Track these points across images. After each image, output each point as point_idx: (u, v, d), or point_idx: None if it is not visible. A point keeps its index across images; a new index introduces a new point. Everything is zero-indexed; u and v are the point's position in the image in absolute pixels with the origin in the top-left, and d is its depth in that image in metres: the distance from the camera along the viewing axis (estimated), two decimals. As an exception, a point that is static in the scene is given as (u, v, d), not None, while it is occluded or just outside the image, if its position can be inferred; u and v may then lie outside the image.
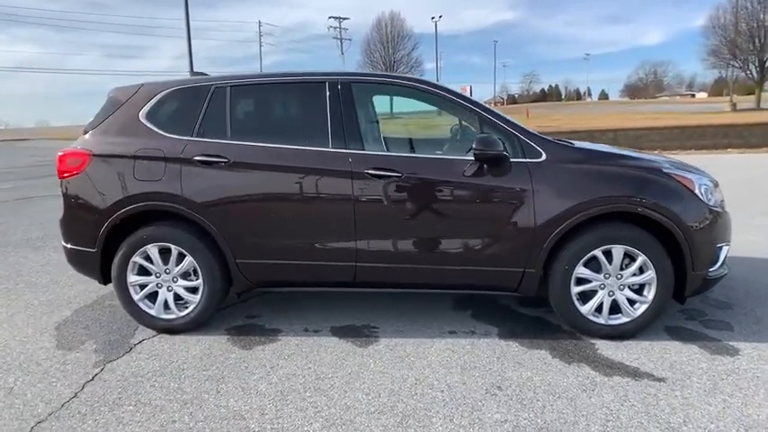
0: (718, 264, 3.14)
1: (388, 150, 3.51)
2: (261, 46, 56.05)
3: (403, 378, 2.74)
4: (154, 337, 3.30)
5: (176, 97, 3.33)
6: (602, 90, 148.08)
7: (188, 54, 21.20)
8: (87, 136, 3.36)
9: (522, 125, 3.17)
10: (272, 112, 3.40)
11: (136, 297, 3.30)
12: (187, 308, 3.31)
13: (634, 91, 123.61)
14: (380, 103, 4.01)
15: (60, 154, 3.34)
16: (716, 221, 3.08)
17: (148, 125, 3.26)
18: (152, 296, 3.32)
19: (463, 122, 4.07)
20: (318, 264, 3.19)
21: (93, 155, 3.24)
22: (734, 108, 35.89)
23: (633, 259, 3.04)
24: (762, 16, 33.08)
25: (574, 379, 2.70)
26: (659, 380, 2.66)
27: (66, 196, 3.33)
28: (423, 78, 3.24)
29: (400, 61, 48.75)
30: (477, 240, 3.07)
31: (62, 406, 2.54)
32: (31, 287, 4.35)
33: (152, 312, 3.31)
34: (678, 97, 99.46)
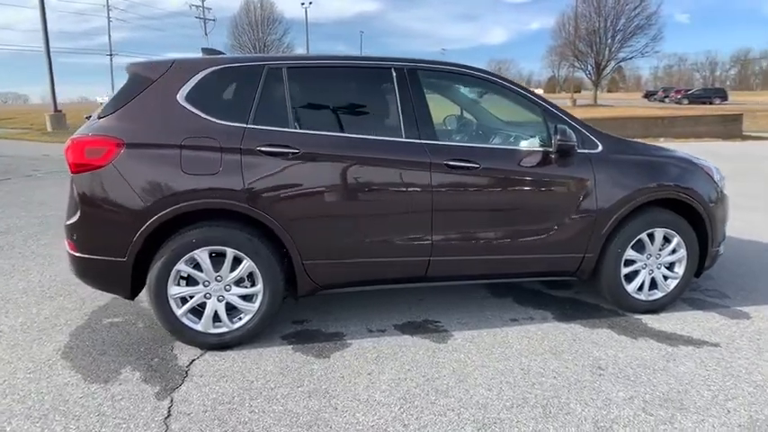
0: (724, 241, 3.66)
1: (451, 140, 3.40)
2: (109, 21, 49.69)
3: (509, 369, 2.74)
4: (203, 355, 2.85)
5: (223, 78, 2.86)
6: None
7: (42, 24, 17.88)
8: (106, 121, 2.73)
9: (578, 118, 3.32)
10: (336, 99, 3.09)
11: (178, 312, 2.80)
12: (241, 319, 2.91)
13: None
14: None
15: (73, 142, 2.68)
16: (724, 203, 3.57)
17: (191, 109, 2.76)
18: (194, 309, 2.86)
19: (465, 113, 4.16)
20: (392, 260, 3.02)
21: (125, 144, 2.65)
22: (574, 103, 41.20)
23: (668, 240, 3.40)
24: (597, 25, 38.59)
25: (650, 352, 2.94)
26: (716, 345, 3.03)
27: (83, 195, 2.68)
28: (489, 71, 3.21)
29: (271, 45, 46.97)
30: (547, 228, 3.16)
31: (162, 450, 2.09)
32: (-21, 310, 3.43)
33: (198, 328, 2.85)
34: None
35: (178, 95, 2.76)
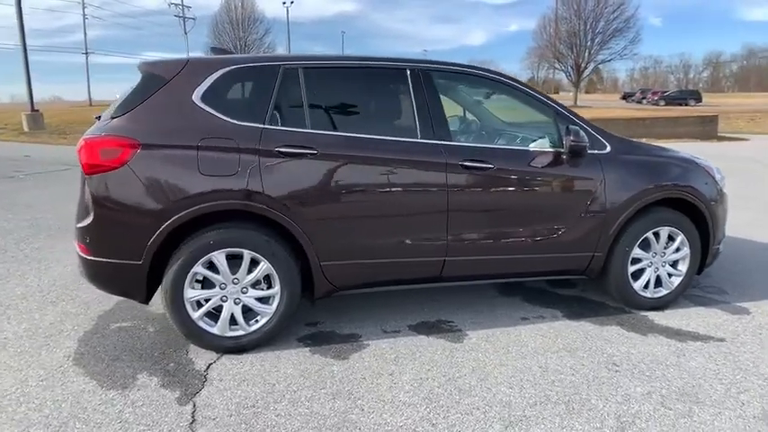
0: (723, 239, 3.76)
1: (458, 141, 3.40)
2: (85, 18, 48.57)
3: (527, 368, 2.77)
4: (220, 359, 2.81)
5: (238, 77, 2.84)
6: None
7: (18, 22, 17.34)
8: (119, 121, 2.67)
9: (587, 119, 3.38)
10: (352, 99, 3.08)
11: (194, 315, 2.76)
12: (258, 321, 2.88)
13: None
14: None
15: (87, 143, 2.61)
16: (724, 202, 3.67)
17: (207, 109, 2.72)
18: (209, 312, 2.82)
19: (468, 114, 4.19)
20: (408, 261, 3.03)
21: (141, 144, 2.60)
22: (555, 105, 41.80)
23: (672, 239, 3.48)
24: (578, 27, 39.29)
25: (660, 348, 3.01)
26: (721, 340, 3.11)
27: (97, 197, 2.62)
28: (502, 72, 3.24)
29: (252, 45, 46.56)
30: (558, 228, 3.21)
31: (192, 456, 2.06)
32: (-20, 317, 3.33)
33: (214, 331, 2.81)
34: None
35: (194, 95, 2.72)
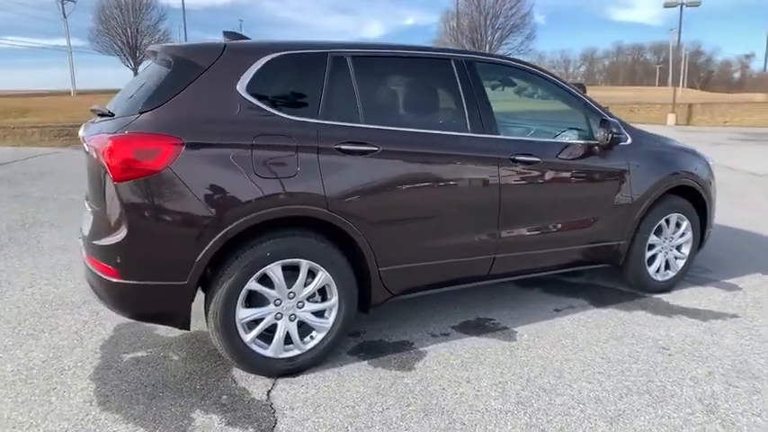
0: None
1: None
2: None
3: (591, 360, 2.78)
4: (277, 384, 2.50)
5: (285, 66, 2.49)
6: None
7: None
8: (150, 116, 2.23)
9: (609, 111, 3.46)
10: (404, 91, 2.86)
11: (247, 338, 2.42)
12: (312, 338, 2.59)
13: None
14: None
15: (116, 142, 2.14)
16: (714, 188, 3.98)
17: (255, 102, 2.37)
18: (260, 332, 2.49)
19: None
20: (461, 261, 2.90)
21: (184, 144, 2.19)
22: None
23: (678, 224, 3.70)
24: (479, 22, 40.97)
25: (692, 329, 3.17)
26: (735, 316, 3.36)
27: (132, 207, 2.17)
28: (537, 65, 3.20)
29: (145, 32, 42.83)
30: (595, 218, 3.26)
31: (314, 504, 1.78)
32: (-59, 362, 2.65)
33: (267, 354, 2.49)
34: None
35: (238, 86, 2.36)
